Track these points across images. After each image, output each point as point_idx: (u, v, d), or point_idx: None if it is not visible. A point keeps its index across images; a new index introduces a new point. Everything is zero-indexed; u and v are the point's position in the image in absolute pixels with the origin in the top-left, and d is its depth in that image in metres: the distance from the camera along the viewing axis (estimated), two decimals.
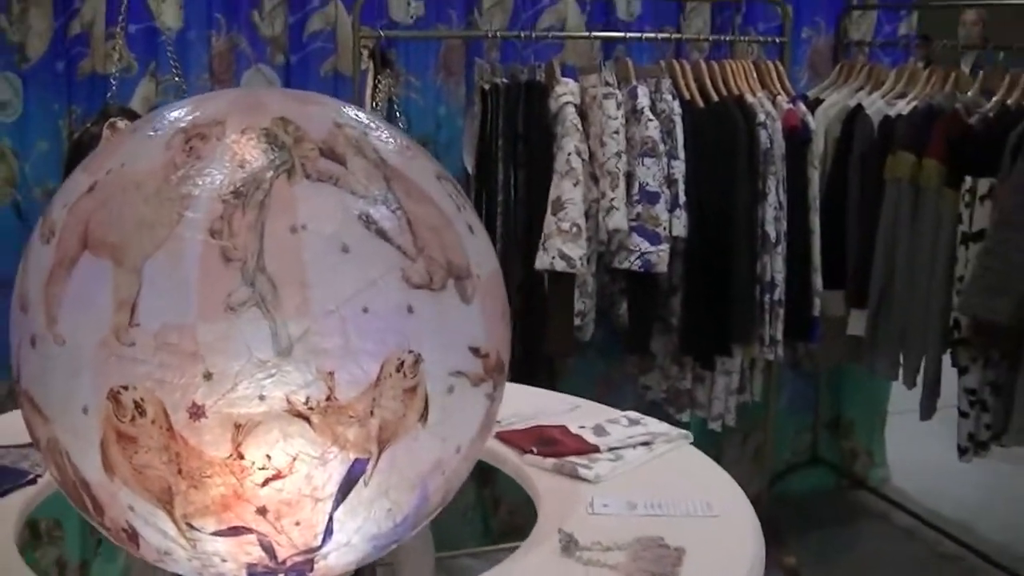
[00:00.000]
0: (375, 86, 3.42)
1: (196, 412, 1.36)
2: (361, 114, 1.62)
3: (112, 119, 3.17)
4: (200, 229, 1.38)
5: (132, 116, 3.20)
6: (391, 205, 1.47)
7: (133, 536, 1.50)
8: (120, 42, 3.29)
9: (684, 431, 2.23)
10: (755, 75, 3.79)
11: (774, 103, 3.73)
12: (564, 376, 3.73)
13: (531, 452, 2.10)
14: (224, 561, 1.48)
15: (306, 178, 1.44)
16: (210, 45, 3.47)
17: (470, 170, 3.57)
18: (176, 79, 3.34)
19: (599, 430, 2.19)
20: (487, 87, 3.52)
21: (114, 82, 3.27)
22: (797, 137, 3.73)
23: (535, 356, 3.51)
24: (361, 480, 1.44)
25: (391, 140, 1.58)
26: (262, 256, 1.37)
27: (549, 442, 2.13)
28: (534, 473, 2.05)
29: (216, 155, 1.44)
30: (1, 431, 2.17)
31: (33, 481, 1.99)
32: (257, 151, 1.45)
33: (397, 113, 3.53)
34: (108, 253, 1.41)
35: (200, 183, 1.42)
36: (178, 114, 1.55)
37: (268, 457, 1.38)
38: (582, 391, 3.55)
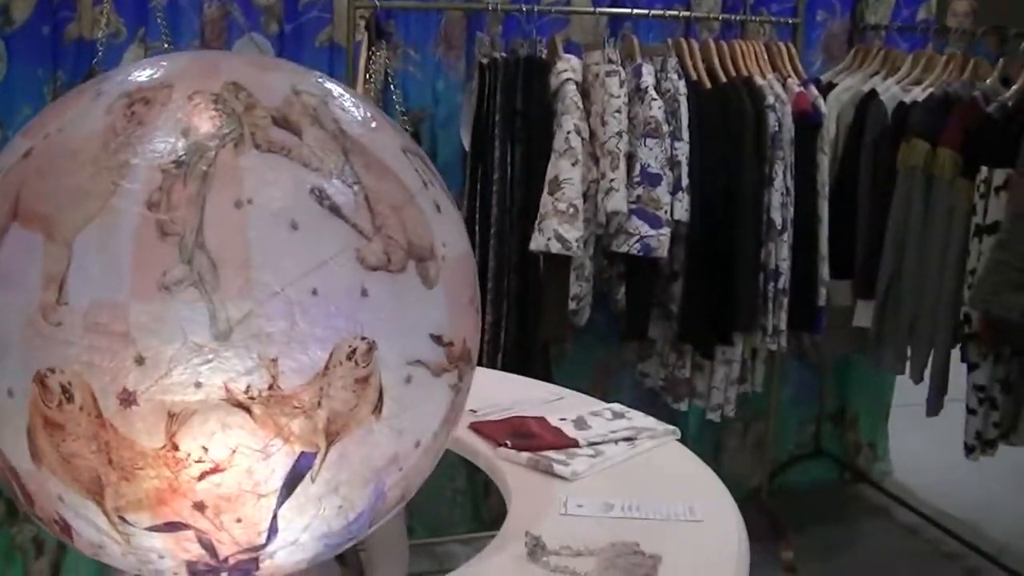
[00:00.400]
0: (370, 58, 3.31)
1: (127, 399, 1.25)
2: (328, 82, 1.51)
3: None
4: (136, 201, 1.27)
5: None
6: (347, 179, 1.36)
7: (66, 528, 1.39)
8: (108, 6, 3.18)
9: (671, 427, 2.11)
10: (766, 57, 3.68)
11: (784, 86, 3.61)
12: (560, 362, 3.62)
13: (505, 445, 1.98)
14: (161, 558, 1.38)
15: (255, 148, 1.33)
16: (202, 12, 3.35)
17: (467, 146, 3.46)
18: (166, 46, 3.23)
19: (580, 423, 2.07)
20: (486, 61, 3.40)
21: (100, 48, 3.17)
22: (807, 121, 3.61)
23: (530, 341, 3.40)
24: (308, 475, 1.33)
25: (354, 110, 1.47)
26: (202, 232, 1.26)
27: (525, 435, 2.01)
28: (507, 468, 1.93)
29: (160, 122, 1.33)
30: None
31: None
32: (204, 118, 1.34)
33: (392, 86, 3.42)
34: (38, 225, 1.31)
35: (139, 151, 1.31)
36: (126, 76, 1.44)
37: (205, 449, 1.28)
38: (579, 377, 3.47)
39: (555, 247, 3.17)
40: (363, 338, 1.32)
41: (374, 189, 1.38)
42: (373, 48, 3.32)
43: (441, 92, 3.64)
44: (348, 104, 1.47)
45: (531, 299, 3.36)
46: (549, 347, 3.49)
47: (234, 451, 1.28)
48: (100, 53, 3.18)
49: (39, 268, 1.29)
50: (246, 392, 1.26)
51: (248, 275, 1.26)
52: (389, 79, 3.42)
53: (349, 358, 1.31)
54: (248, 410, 1.27)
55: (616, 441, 2.02)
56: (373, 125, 1.47)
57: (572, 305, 3.37)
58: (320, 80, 1.50)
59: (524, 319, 3.36)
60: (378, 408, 1.35)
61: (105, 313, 1.25)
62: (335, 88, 1.50)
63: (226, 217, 1.28)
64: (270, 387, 1.27)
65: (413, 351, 1.38)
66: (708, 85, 3.54)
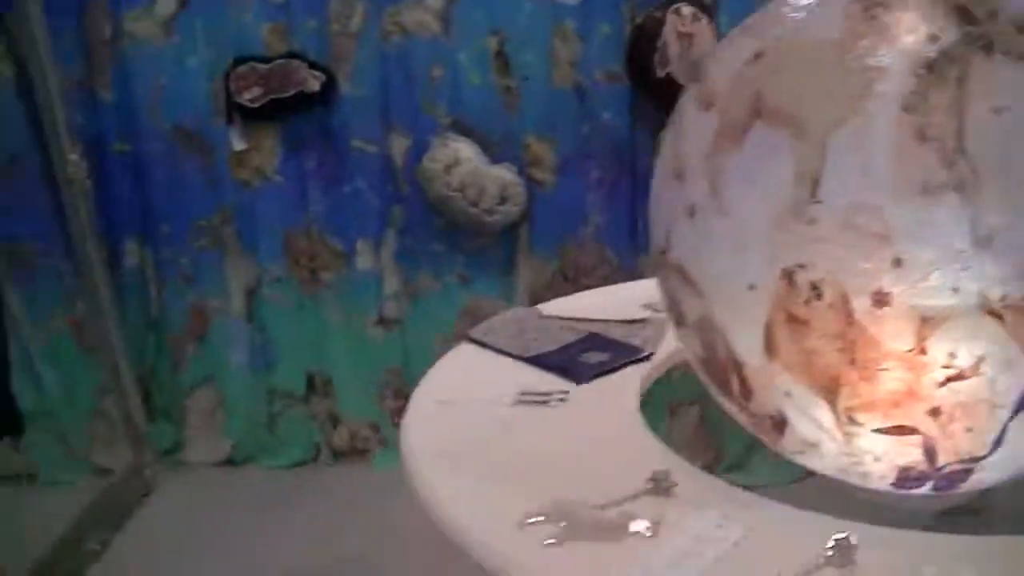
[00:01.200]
0: None
1: (881, 300, 1.27)
2: None
3: (676, 5, 3.14)
4: (891, 104, 1.27)
5: (698, 3, 3.15)
6: None
7: (779, 424, 1.44)
8: None
9: None
10: None
11: None
12: None
13: None
14: (876, 460, 1.39)
15: (1004, 55, 1.30)
16: None
17: None
18: None
19: None
20: None
21: None
22: None
23: None
24: None
25: None
26: (962, 137, 1.25)
27: None
28: None
29: (903, 26, 1.33)
30: (599, 305, 2.20)
31: (647, 358, 1.97)
32: (948, 24, 1.32)
33: None
34: (785, 124, 1.33)
35: (887, 55, 1.31)
36: None
37: (952, 355, 1.27)
38: None
39: None
40: None
41: None
42: None
43: None
44: None
45: None
46: None
47: (980, 359, 1.27)
48: None
49: (787, 166, 1.31)
50: (1001, 300, 1.25)
51: (1009, 182, 1.24)
52: None
53: None
54: (1001, 319, 1.25)
55: None
56: None
57: None
58: None
59: None
60: None
61: (862, 214, 1.26)
62: None
63: (985, 124, 1.25)
64: None
65: None
66: None
